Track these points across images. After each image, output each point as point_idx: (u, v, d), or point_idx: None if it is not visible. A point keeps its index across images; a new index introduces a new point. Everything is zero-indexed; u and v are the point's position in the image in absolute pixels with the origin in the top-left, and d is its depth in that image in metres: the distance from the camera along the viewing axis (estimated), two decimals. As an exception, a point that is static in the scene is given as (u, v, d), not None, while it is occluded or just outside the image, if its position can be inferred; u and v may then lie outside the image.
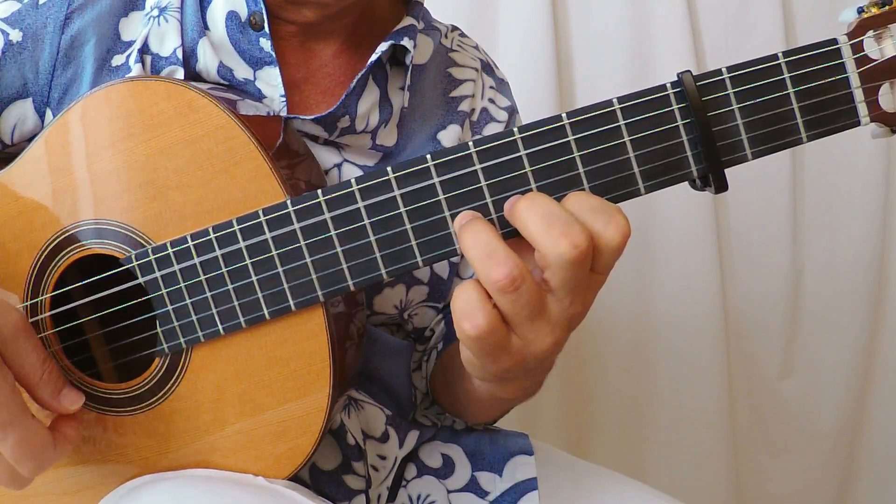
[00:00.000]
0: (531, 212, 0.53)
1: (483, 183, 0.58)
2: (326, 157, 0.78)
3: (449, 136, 0.84)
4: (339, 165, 0.79)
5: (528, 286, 0.52)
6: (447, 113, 0.85)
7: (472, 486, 0.81)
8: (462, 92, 0.86)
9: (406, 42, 0.77)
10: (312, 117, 0.75)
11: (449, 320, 0.86)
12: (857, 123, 0.58)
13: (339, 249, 0.61)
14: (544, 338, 0.55)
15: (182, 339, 0.66)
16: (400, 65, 0.81)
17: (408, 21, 0.80)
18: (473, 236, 0.53)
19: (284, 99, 0.75)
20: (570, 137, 0.57)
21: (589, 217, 0.53)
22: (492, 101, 0.89)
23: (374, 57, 0.76)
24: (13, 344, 0.59)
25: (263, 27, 0.74)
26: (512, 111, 0.90)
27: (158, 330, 0.67)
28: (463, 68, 0.88)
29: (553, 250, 0.52)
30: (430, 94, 0.85)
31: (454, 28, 0.93)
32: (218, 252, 0.63)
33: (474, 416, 0.84)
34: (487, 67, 0.91)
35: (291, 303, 0.63)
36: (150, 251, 0.65)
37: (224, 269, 0.64)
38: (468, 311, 0.53)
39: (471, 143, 0.57)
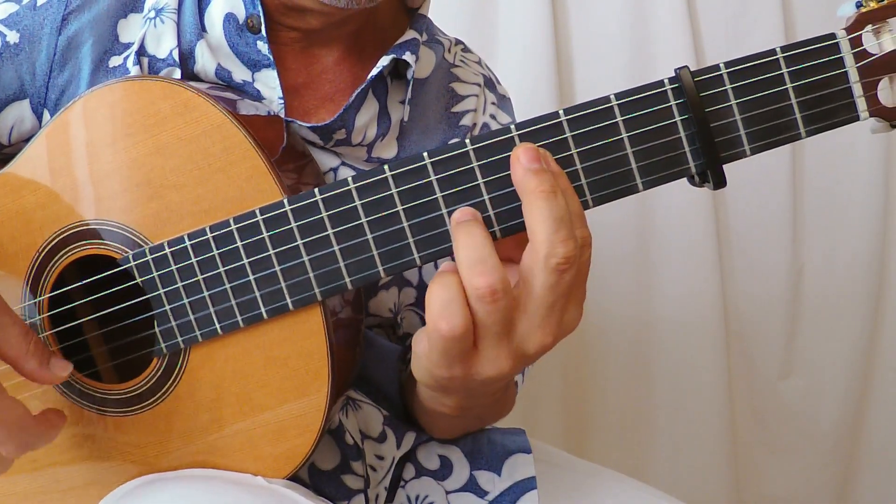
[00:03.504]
0: (545, 207, 0.54)
1: (480, 180, 0.58)
2: (324, 159, 0.78)
3: None
4: (335, 169, 0.78)
5: (507, 303, 0.54)
6: (448, 128, 0.84)
7: (471, 486, 0.81)
8: (464, 107, 0.86)
9: (408, 56, 0.77)
10: (309, 125, 0.74)
11: None
12: (857, 118, 0.58)
13: (336, 248, 0.61)
14: (500, 361, 0.57)
15: (180, 339, 0.66)
16: (401, 78, 0.80)
17: (411, 34, 0.79)
18: (467, 237, 0.55)
19: (282, 101, 0.75)
20: (568, 134, 0.57)
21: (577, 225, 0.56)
22: (493, 116, 0.88)
23: (374, 71, 0.75)
24: None
25: (261, 30, 0.74)
26: None
27: (156, 330, 0.66)
28: (465, 84, 0.88)
29: (552, 250, 0.53)
30: (432, 108, 0.85)
31: (458, 42, 0.93)
32: (215, 251, 0.63)
33: (427, 428, 0.84)
34: (490, 83, 0.91)
35: (289, 301, 0.63)
36: (147, 251, 0.65)
37: (221, 269, 0.63)
38: (448, 311, 0.54)
39: (468, 141, 0.57)
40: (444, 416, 0.74)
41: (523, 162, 0.55)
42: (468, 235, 0.54)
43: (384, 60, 0.76)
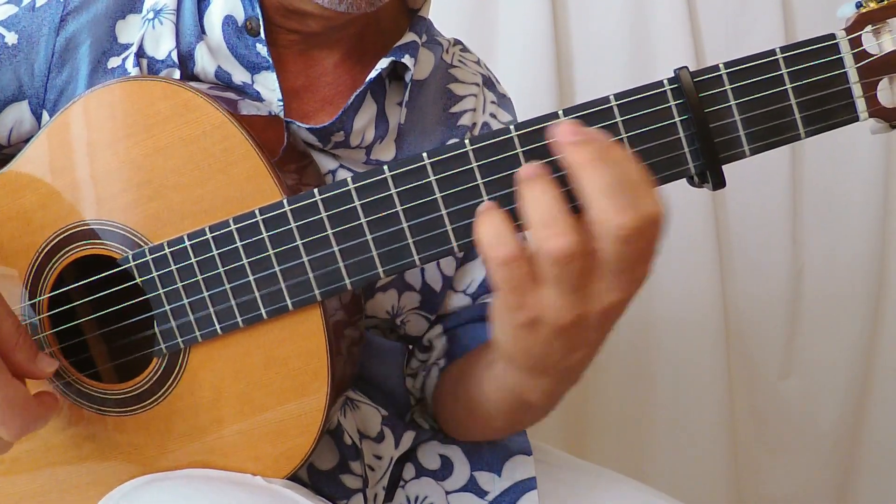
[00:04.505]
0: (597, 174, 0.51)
1: (480, 181, 0.58)
2: (323, 162, 0.78)
3: None
4: (333, 171, 0.78)
5: (579, 264, 0.51)
6: (447, 129, 0.84)
7: (471, 486, 0.81)
8: (463, 107, 0.85)
9: (407, 59, 0.76)
10: (307, 127, 0.74)
11: (451, 337, 0.86)
12: (856, 119, 0.57)
13: (335, 248, 0.61)
14: (565, 311, 0.54)
15: (180, 339, 0.66)
16: (399, 80, 0.80)
17: (410, 37, 0.79)
18: (536, 196, 0.52)
19: (282, 103, 0.75)
20: (568, 135, 0.57)
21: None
22: (493, 115, 0.88)
23: (372, 74, 0.75)
24: None
25: (260, 33, 0.74)
26: None
27: (156, 330, 0.66)
28: (464, 84, 0.87)
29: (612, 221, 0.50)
30: (431, 109, 0.84)
31: (456, 42, 0.92)
32: (215, 252, 0.63)
33: (487, 426, 0.80)
34: (489, 83, 0.90)
35: (289, 302, 0.63)
36: (147, 251, 0.65)
37: (221, 269, 0.63)
38: (501, 240, 0.52)
39: (467, 142, 0.57)
40: (524, 406, 0.70)
41: (568, 137, 0.52)
42: (537, 194, 0.52)
43: (382, 63, 0.76)
